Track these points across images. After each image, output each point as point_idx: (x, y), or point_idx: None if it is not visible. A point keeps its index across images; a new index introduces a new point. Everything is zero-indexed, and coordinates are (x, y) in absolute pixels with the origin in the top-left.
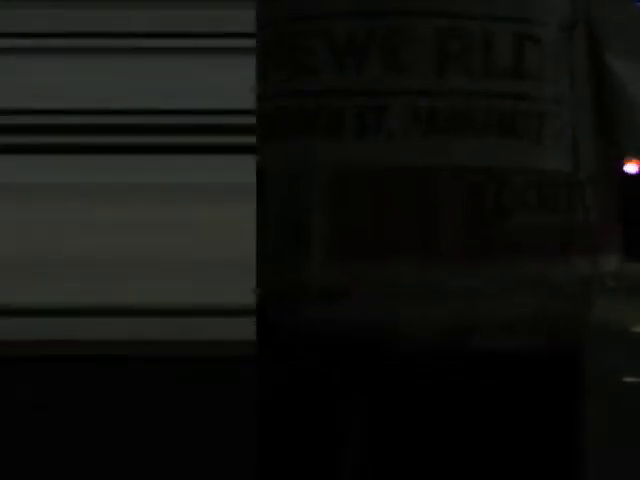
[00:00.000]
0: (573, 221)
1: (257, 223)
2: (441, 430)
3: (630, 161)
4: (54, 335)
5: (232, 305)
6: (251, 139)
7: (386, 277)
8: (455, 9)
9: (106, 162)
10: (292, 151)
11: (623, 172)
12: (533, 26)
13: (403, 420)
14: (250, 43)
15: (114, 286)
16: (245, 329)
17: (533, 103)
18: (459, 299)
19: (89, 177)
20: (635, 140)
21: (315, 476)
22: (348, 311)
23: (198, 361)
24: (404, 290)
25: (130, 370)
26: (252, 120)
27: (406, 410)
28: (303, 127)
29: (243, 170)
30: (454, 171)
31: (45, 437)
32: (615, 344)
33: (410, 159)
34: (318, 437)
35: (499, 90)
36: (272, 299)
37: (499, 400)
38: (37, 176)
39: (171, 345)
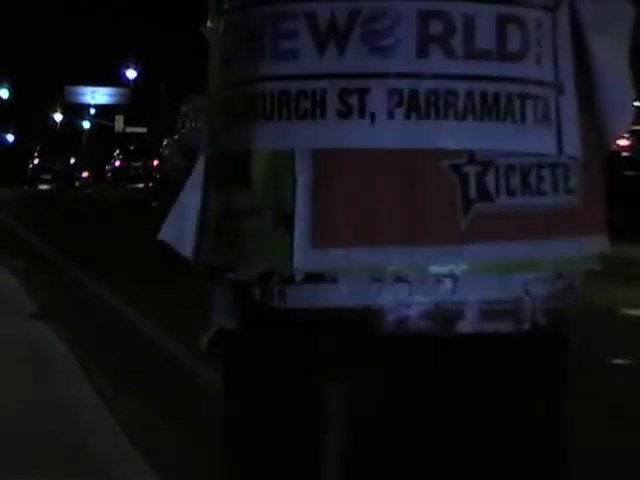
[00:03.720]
0: (557, 204)
1: (240, 206)
2: (426, 413)
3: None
4: None
5: None
6: None
7: (371, 261)
8: None
9: None
10: (275, 135)
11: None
12: (516, 7)
13: (388, 403)
14: None
15: None
16: None
17: (516, 85)
18: (443, 283)
19: None
20: (613, 134)
21: (297, 459)
22: (334, 295)
23: None
24: (389, 275)
25: None
26: None
27: (392, 393)
28: (285, 111)
29: None
30: (436, 154)
31: None
32: (601, 327)
33: (393, 142)
34: (302, 420)
35: (482, 72)
36: (258, 282)
37: (484, 383)
38: None
39: None
